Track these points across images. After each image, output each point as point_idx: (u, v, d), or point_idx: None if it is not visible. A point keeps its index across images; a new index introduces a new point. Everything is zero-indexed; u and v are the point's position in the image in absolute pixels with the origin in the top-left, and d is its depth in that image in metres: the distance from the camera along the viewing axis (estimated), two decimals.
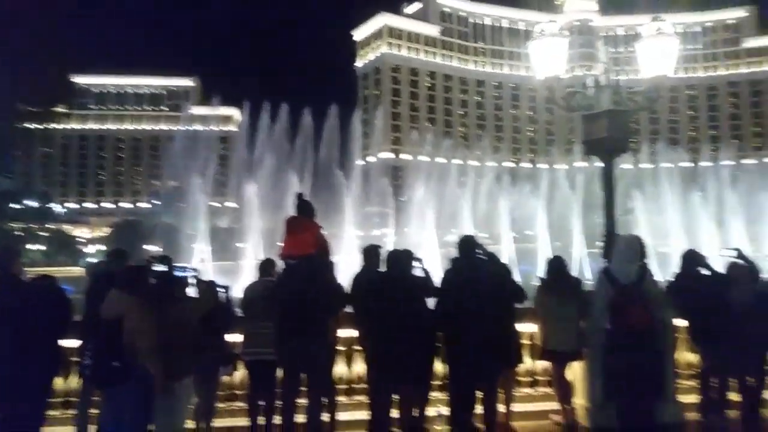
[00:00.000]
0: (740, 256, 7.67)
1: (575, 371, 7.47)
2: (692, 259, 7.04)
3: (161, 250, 52.00)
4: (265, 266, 7.43)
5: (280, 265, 6.81)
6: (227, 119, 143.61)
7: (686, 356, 8.39)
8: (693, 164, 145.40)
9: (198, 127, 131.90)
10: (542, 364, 7.93)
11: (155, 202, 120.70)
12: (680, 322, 7.42)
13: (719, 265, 7.52)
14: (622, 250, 6.50)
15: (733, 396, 7.24)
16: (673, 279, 7.18)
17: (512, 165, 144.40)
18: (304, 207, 6.76)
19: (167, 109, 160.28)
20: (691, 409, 7.16)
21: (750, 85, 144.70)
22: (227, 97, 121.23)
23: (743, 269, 7.10)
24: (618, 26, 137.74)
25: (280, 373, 6.72)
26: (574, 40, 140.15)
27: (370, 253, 7.47)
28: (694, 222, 50.54)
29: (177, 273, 6.55)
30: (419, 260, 7.11)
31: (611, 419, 5.99)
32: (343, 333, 7.61)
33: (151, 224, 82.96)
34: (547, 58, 6.94)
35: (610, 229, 7.22)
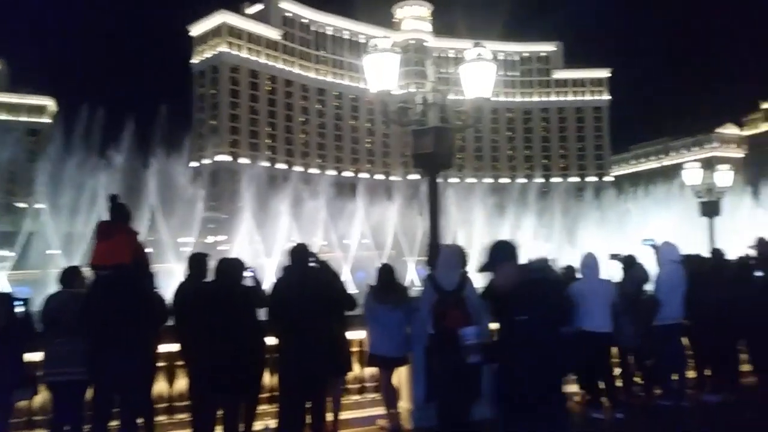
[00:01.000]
0: (545, 264, 8.59)
1: (401, 376, 7.77)
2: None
3: None
4: (69, 276, 6.62)
5: (90, 274, 6.11)
6: (40, 110, 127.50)
7: None
8: (510, 180, 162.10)
9: (3, 116, 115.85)
10: (370, 370, 8.12)
11: None
12: (495, 326, 8.08)
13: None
14: (445, 259, 6.84)
15: None
16: (487, 285, 7.80)
17: (350, 174, 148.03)
18: (118, 211, 6.10)
19: None
20: None
21: (558, 112, 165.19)
22: (42, 85, 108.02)
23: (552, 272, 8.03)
24: (450, 48, 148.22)
25: (89, 394, 6.07)
26: (409, 58, 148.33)
27: (196, 261, 7.08)
28: (508, 233, 55.96)
29: None
30: (251, 269, 6.89)
31: (431, 419, 6.29)
32: (165, 348, 7.12)
33: None
34: (379, 73, 7.18)
35: (434, 239, 7.63)
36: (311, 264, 6.76)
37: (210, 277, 6.68)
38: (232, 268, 6.50)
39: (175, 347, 7.03)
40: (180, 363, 7.24)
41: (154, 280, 6.31)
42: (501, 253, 4.46)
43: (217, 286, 6.32)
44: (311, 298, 6.28)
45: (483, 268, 4.65)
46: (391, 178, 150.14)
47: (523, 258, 8.21)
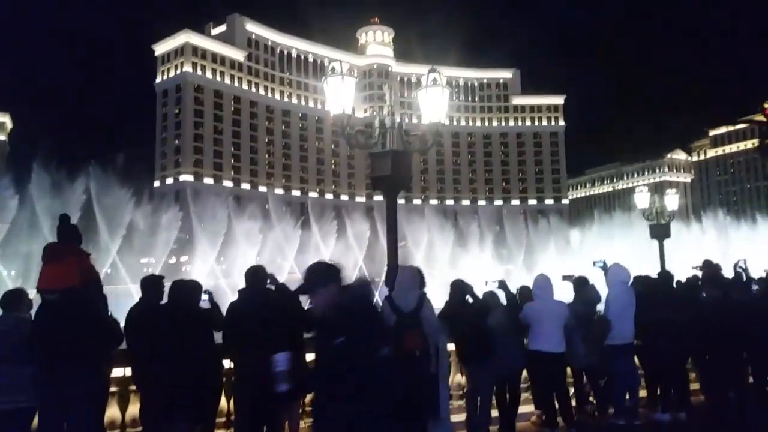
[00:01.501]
0: (502, 286, 8.76)
1: None
2: (460, 288, 7.84)
3: None
4: (12, 299, 6.25)
5: (36, 298, 5.92)
6: None
7: (458, 378, 9.27)
8: (470, 202, 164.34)
9: None
10: None
11: None
12: (451, 346, 8.17)
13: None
14: (403, 280, 6.89)
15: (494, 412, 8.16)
16: (443, 306, 7.90)
17: (315, 195, 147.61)
18: (67, 232, 5.95)
19: None
20: (461, 427, 7.86)
21: (516, 136, 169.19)
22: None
23: (495, 298, 8.18)
24: (412, 73, 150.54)
25: (36, 422, 5.84)
26: (374, 82, 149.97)
27: (151, 284, 6.94)
28: (468, 255, 56.53)
29: None
30: (207, 291, 6.81)
31: None
32: (118, 372, 6.94)
33: None
34: (338, 96, 7.29)
35: (392, 260, 7.70)
36: (268, 286, 6.73)
37: (165, 299, 6.57)
38: (187, 290, 6.41)
39: (128, 371, 6.86)
40: (133, 387, 7.05)
41: (107, 303, 6.16)
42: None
43: (172, 309, 6.21)
44: (266, 321, 6.23)
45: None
46: (357, 199, 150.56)
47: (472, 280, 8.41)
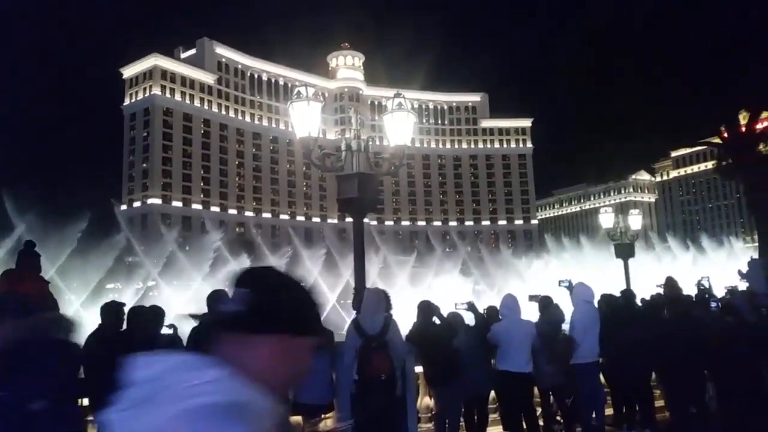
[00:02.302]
0: (471, 308, 8.81)
1: (327, 423, 7.63)
2: (427, 309, 7.85)
3: None
4: None
5: None
6: None
7: (426, 400, 9.23)
8: (441, 224, 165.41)
9: None
10: (295, 419, 7.93)
11: None
12: (419, 368, 8.15)
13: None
14: (369, 302, 6.87)
15: None
16: (411, 328, 7.89)
17: (286, 218, 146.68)
18: (27, 258, 5.82)
19: None
20: None
21: (485, 158, 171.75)
22: None
23: (461, 319, 8.23)
24: (383, 97, 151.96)
25: None
26: (345, 105, 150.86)
27: (111, 310, 6.76)
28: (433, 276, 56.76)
29: None
30: (172, 326, 6.67)
31: None
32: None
33: None
34: (303, 119, 7.33)
35: (359, 282, 7.68)
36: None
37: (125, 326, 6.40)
38: (145, 316, 6.25)
39: (84, 401, 6.62)
40: (90, 418, 6.80)
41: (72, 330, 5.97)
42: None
43: (128, 336, 6.05)
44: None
45: None
46: (329, 221, 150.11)
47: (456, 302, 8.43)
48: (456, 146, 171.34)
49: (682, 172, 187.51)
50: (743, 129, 17.91)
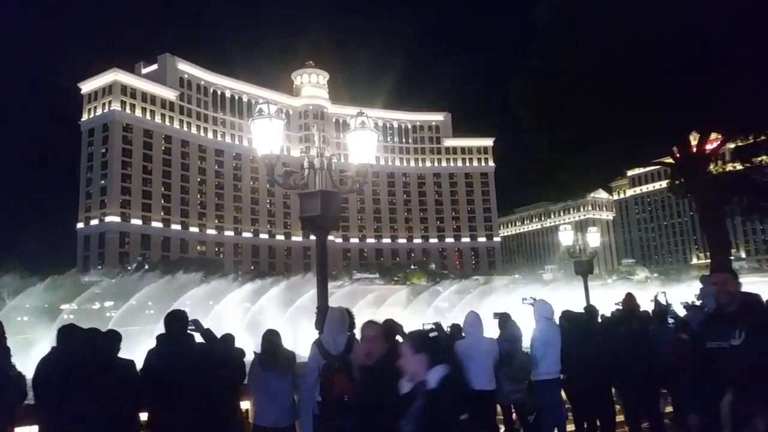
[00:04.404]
0: (437, 328, 8.81)
1: None
2: (390, 329, 7.81)
3: None
4: None
5: None
6: None
7: None
8: (406, 241, 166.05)
9: None
10: None
11: None
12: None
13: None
14: (332, 322, 6.79)
15: None
16: None
17: (249, 235, 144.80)
18: None
19: None
20: None
21: (449, 177, 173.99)
22: None
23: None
24: (347, 115, 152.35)
25: None
26: (309, 123, 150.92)
27: (67, 333, 6.49)
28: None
29: None
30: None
31: None
32: (21, 431, 6.39)
33: None
34: (265, 137, 7.30)
35: (322, 302, 7.61)
36: (189, 332, 6.46)
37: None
38: (99, 340, 6.02)
39: (33, 430, 6.33)
40: None
41: (10, 356, 5.72)
42: None
43: (82, 361, 5.80)
44: (186, 369, 5.96)
45: None
46: (293, 239, 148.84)
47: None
48: (420, 164, 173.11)
49: (638, 190, 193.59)
50: (694, 149, 18.64)
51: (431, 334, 4.39)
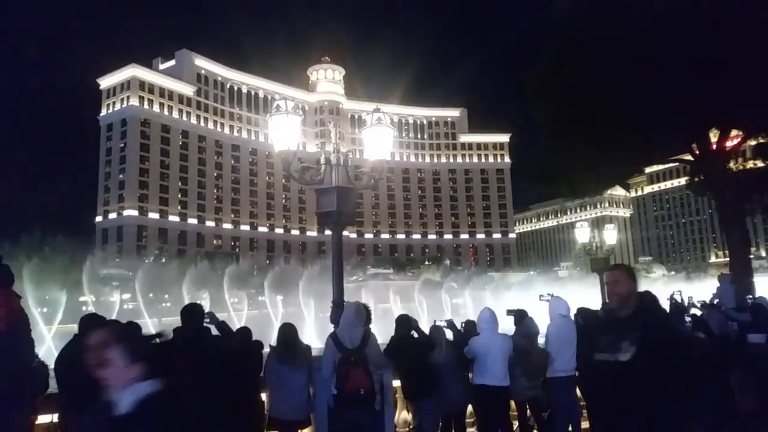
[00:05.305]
0: (450, 325, 8.84)
1: None
2: (405, 323, 7.86)
3: None
4: None
5: None
6: None
7: (404, 415, 9.21)
8: (421, 237, 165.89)
9: None
10: None
11: None
12: (397, 382, 8.14)
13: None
14: (348, 316, 6.86)
15: None
16: (389, 342, 7.89)
17: (265, 230, 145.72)
18: None
19: None
20: None
21: (464, 173, 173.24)
22: None
23: (441, 333, 8.25)
24: (363, 110, 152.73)
25: None
26: (325, 118, 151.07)
27: (88, 322, 6.60)
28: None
29: None
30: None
31: None
32: (45, 418, 6.53)
33: None
34: (282, 133, 7.35)
35: (338, 297, 7.67)
36: (205, 324, 6.55)
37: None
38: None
39: (55, 417, 6.48)
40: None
41: (33, 348, 5.84)
42: None
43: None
44: (201, 361, 6.04)
45: None
46: (308, 233, 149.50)
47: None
48: (435, 160, 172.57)
49: (656, 187, 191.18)
50: (714, 146, 18.39)
51: (158, 339, 3.12)
